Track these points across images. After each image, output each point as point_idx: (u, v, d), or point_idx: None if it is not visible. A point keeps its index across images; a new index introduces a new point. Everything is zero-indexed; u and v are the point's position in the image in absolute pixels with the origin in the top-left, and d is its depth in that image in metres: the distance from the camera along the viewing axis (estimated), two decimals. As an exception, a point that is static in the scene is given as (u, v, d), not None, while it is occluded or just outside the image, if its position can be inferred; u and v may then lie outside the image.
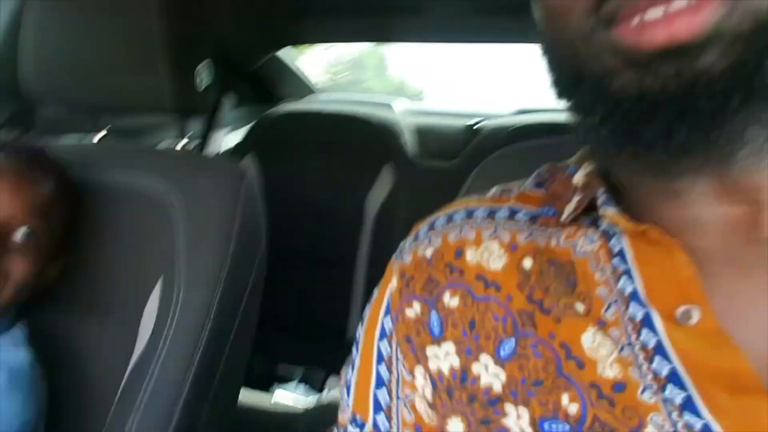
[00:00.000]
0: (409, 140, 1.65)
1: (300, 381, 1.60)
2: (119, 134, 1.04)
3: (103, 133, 1.02)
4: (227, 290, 0.78)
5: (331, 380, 1.62)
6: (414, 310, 0.40)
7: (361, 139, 1.65)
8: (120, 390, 0.76)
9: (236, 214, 0.83)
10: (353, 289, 1.63)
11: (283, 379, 1.62)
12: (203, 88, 0.93)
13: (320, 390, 1.60)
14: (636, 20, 0.26)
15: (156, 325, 0.76)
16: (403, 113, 1.80)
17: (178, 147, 1.00)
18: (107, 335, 0.82)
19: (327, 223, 1.61)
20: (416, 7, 1.44)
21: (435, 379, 0.38)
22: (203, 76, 0.93)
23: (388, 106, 1.82)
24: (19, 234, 0.72)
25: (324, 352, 1.64)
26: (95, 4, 0.87)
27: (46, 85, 0.91)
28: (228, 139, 1.85)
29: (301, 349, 1.67)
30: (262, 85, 1.96)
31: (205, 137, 1.94)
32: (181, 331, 0.74)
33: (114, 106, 0.96)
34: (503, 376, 0.34)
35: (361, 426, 0.41)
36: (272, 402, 1.46)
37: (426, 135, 1.69)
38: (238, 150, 1.75)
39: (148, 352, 0.76)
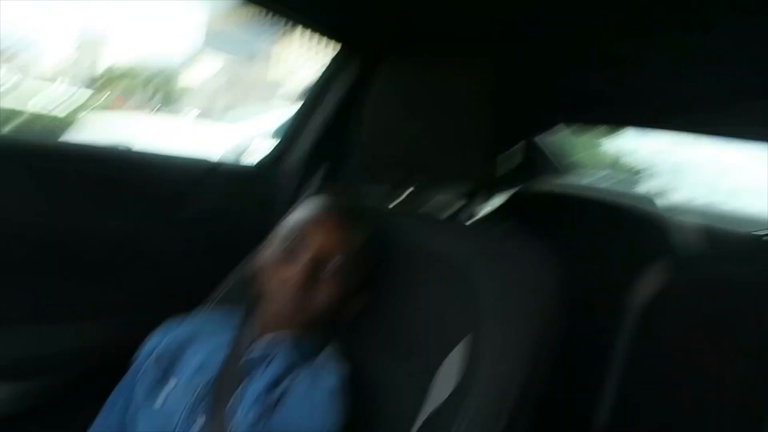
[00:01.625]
0: (683, 238, 1.49)
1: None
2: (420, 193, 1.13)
3: (407, 192, 1.11)
4: (529, 368, 0.78)
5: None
6: None
7: (626, 232, 1.54)
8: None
9: (546, 297, 0.84)
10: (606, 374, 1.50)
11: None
12: (514, 166, 0.96)
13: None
14: None
15: (456, 391, 0.78)
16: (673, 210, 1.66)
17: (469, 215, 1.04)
18: (401, 378, 0.86)
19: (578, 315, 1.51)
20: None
21: None
22: (516, 154, 0.96)
23: (648, 199, 1.69)
24: (331, 266, 0.83)
25: None
26: (430, 89, 0.96)
27: (374, 152, 1.03)
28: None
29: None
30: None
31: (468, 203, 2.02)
32: (484, 402, 0.75)
33: (435, 177, 1.03)
34: None
35: None
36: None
37: (708, 236, 1.52)
38: (489, 220, 1.77)
39: (444, 415, 0.77)
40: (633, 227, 1.54)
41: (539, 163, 1.95)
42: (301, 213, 0.89)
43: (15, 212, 1.02)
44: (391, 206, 1.10)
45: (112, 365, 0.89)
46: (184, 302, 1.05)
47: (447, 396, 0.78)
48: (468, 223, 1.02)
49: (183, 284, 1.20)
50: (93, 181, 1.12)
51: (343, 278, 0.84)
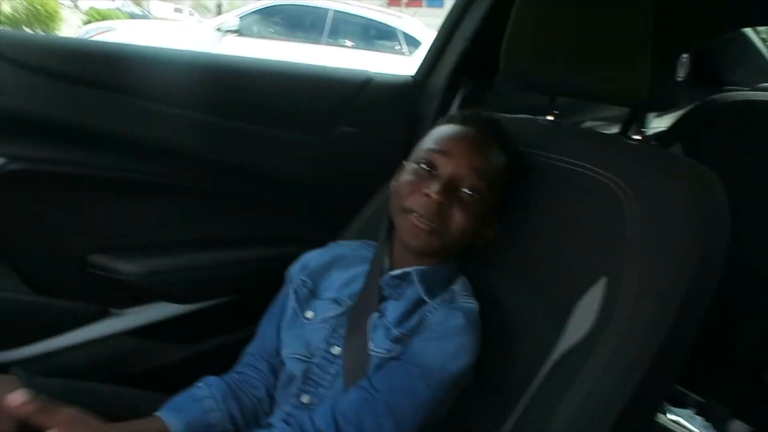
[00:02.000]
0: None
1: (697, 413, 1.40)
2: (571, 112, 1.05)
3: (551, 118, 1.03)
4: (682, 307, 0.70)
5: (735, 425, 1.36)
6: None
7: None
8: (544, 377, 0.77)
9: (704, 227, 0.74)
10: None
11: (674, 400, 1.44)
12: (678, 81, 0.83)
13: (719, 430, 1.36)
14: None
15: (596, 326, 0.74)
16: None
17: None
18: (534, 312, 0.83)
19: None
20: None
21: None
22: (681, 68, 0.83)
23: None
24: (465, 191, 0.81)
25: (731, 388, 1.38)
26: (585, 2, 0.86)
27: (520, 70, 0.96)
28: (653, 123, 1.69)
29: (704, 376, 1.45)
30: (706, 67, 1.70)
31: (629, 122, 1.82)
32: (627, 339, 0.70)
33: (582, 96, 0.95)
34: None
35: None
36: (661, 420, 1.32)
37: None
38: (661, 139, 1.57)
39: (581, 350, 0.74)
40: None
41: (713, 72, 1.66)
42: (442, 129, 0.87)
43: (187, 136, 1.13)
44: (537, 124, 1.03)
45: (267, 286, 0.99)
46: (333, 223, 1.12)
47: (583, 334, 0.74)
48: (626, 142, 0.91)
49: (331, 205, 1.28)
50: (250, 96, 1.18)
51: (482, 200, 0.82)
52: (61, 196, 1.06)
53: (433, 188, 0.78)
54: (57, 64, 1.00)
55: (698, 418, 1.38)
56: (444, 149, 0.82)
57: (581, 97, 0.98)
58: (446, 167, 0.81)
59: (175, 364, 1.19)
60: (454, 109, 1.25)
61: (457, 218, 0.80)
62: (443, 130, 0.87)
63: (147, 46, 1.13)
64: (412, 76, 1.39)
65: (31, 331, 1.04)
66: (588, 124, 1.75)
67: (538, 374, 0.78)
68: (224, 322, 1.26)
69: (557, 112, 1.03)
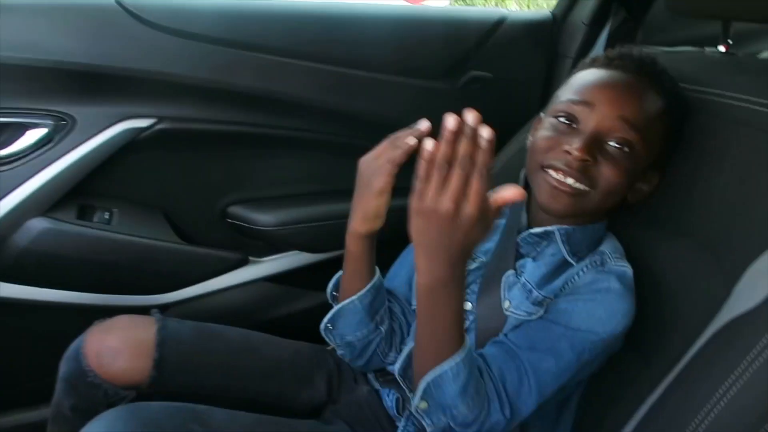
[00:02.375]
0: None
1: None
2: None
3: (723, 48, 0.87)
4: None
5: None
6: None
7: None
8: (707, 339, 0.68)
9: None
10: None
11: None
12: None
13: None
14: None
15: None
16: None
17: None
18: (697, 276, 0.73)
19: None
20: None
21: None
22: None
23: None
24: (613, 145, 0.71)
25: None
26: None
27: None
28: None
29: None
30: None
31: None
32: None
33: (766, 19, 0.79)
34: None
35: None
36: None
37: None
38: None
39: (753, 319, 0.63)
40: None
41: None
42: (584, 75, 0.77)
43: (315, 89, 1.13)
44: (706, 57, 0.88)
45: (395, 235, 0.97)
46: None
47: (756, 303, 0.63)
48: None
49: None
50: (376, 44, 1.15)
51: (633, 154, 0.71)
52: (204, 153, 1.12)
53: (574, 144, 0.69)
54: (196, 27, 1.03)
55: None
56: (586, 99, 0.72)
57: (764, 21, 0.82)
58: (589, 120, 0.71)
59: (306, 310, 1.24)
60: (599, 47, 1.12)
61: (605, 176, 0.70)
62: (585, 76, 0.76)
63: (269, 2, 1.13)
64: (551, 12, 1.27)
65: (182, 277, 1.13)
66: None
67: (695, 344, 0.69)
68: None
69: (731, 42, 0.87)
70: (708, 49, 0.90)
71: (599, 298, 0.71)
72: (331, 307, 0.84)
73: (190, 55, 1.03)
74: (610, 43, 1.18)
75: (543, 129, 0.76)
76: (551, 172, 0.72)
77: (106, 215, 1.06)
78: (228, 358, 0.86)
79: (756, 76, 0.80)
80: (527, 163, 0.78)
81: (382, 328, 0.82)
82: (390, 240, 1.04)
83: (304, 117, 1.14)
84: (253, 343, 0.90)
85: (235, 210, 1.16)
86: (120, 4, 0.98)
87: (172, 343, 0.82)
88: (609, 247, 0.77)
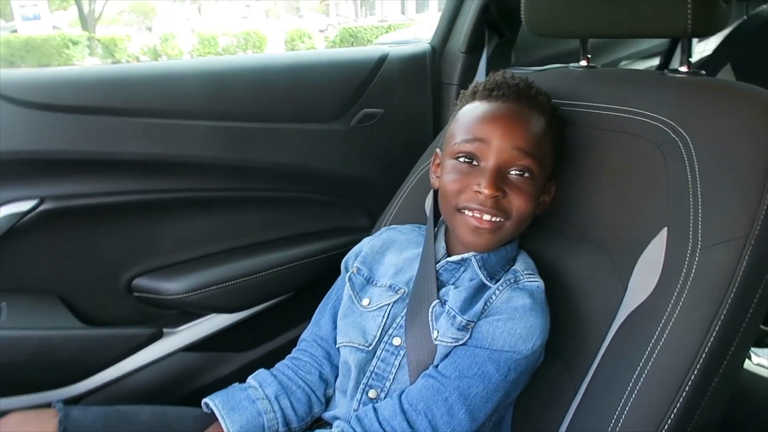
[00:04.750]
0: None
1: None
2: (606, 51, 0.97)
3: (584, 63, 0.95)
4: (757, 252, 0.63)
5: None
6: None
7: None
8: (613, 334, 0.72)
9: None
10: None
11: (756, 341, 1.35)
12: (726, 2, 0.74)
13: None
14: None
15: (662, 282, 0.68)
16: None
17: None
18: (598, 276, 0.78)
19: None
20: None
21: None
22: None
23: None
24: (515, 173, 0.74)
25: None
26: None
27: (546, 19, 0.89)
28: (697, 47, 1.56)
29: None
30: None
31: (670, 53, 1.70)
32: (698, 291, 0.64)
33: (618, 34, 0.87)
34: None
35: None
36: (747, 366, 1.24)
37: None
38: (707, 66, 1.45)
39: (649, 308, 0.68)
40: None
41: None
42: (470, 111, 0.79)
43: (207, 146, 1.10)
44: (571, 72, 0.95)
45: (318, 281, 0.96)
46: (377, 208, 1.07)
47: (650, 292, 0.69)
48: (671, 77, 0.83)
49: (370, 191, 1.23)
50: (262, 94, 1.15)
51: (533, 177, 0.75)
52: (98, 227, 1.06)
53: (482, 184, 0.73)
54: (68, 98, 0.98)
55: (782, 355, 1.29)
56: (480, 137, 0.75)
57: (617, 36, 0.90)
58: (488, 156, 0.74)
59: (232, 374, 1.20)
60: (481, 73, 1.18)
61: (516, 205, 0.74)
62: (471, 112, 0.78)
63: (147, 64, 1.10)
64: (429, 44, 1.32)
65: (90, 363, 1.05)
66: (623, 64, 1.65)
67: (604, 341, 0.73)
68: (280, 323, 1.25)
69: (590, 56, 0.95)
70: (572, 65, 0.97)
71: (517, 317, 0.73)
72: (269, 362, 0.83)
73: (67, 129, 0.98)
74: (489, 66, 1.25)
75: (447, 173, 0.78)
76: (468, 212, 0.75)
77: (-5, 311, 0.97)
78: None
79: (615, 85, 0.87)
80: (441, 205, 0.81)
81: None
82: (311, 286, 1.03)
83: (200, 176, 1.11)
84: (168, 421, 0.83)
85: (141, 282, 1.10)
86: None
87: None
88: (521, 264, 0.80)
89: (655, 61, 1.76)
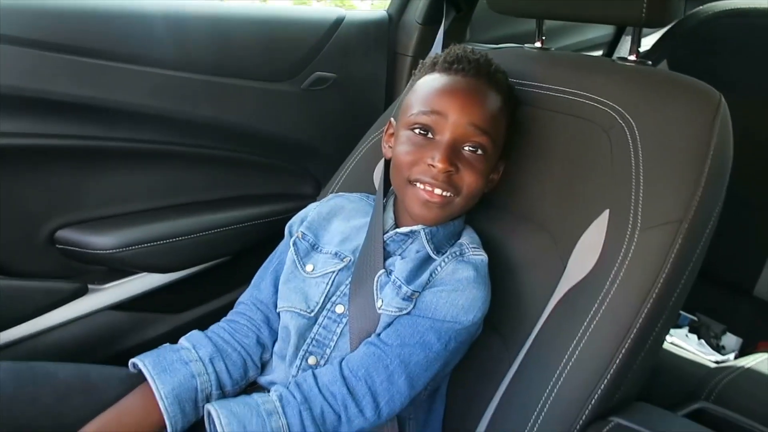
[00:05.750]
0: None
1: (690, 331, 1.42)
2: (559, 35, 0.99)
3: (539, 44, 0.97)
4: (688, 236, 0.67)
5: (727, 338, 1.39)
6: None
7: None
8: (551, 310, 0.75)
9: (709, 150, 0.70)
10: None
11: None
12: None
13: (713, 346, 1.38)
14: None
15: (601, 261, 0.71)
16: None
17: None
18: (541, 253, 0.80)
19: (761, 160, 1.29)
20: None
21: None
22: None
23: None
24: (469, 149, 0.75)
25: (722, 303, 1.40)
26: None
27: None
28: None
29: (694, 292, 1.46)
30: None
31: (615, 43, 1.77)
32: (634, 271, 0.67)
33: (574, 17, 0.88)
34: None
35: None
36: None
37: None
38: (647, 58, 1.52)
39: (587, 286, 0.71)
40: None
41: None
42: (429, 83, 0.79)
43: (153, 97, 1.04)
44: (525, 53, 0.96)
45: (258, 246, 0.93)
46: (325, 174, 1.05)
47: (589, 270, 0.72)
48: (620, 65, 0.86)
49: (319, 156, 1.20)
50: (213, 46, 1.09)
51: (486, 155, 0.76)
52: (19, 172, 0.98)
53: (436, 157, 0.73)
54: (10, 29, 0.89)
55: (692, 336, 1.40)
56: (437, 109, 0.75)
57: (573, 20, 0.92)
58: (444, 130, 0.74)
59: (162, 336, 1.15)
60: (437, 46, 1.18)
61: (467, 181, 0.75)
62: (430, 83, 0.78)
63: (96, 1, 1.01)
64: (387, 11, 1.30)
65: (6, 316, 0.98)
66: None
67: (541, 316, 0.76)
68: (216, 286, 1.22)
69: (544, 37, 0.97)
70: (527, 46, 0.98)
71: (460, 288, 0.74)
72: (203, 325, 0.80)
73: (6, 61, 0.88)
74: (445, 41, 1.25)
75: (401, 143, 0.78)
76: (419, 185, 0.75)
77: None
78: (56, 402, 0.74)
79: (568, 69, 0.88)
80: (392, 176, 0.80)
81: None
82: (250, 251, 1.00)
83: (141, 126, 1.04)
84: (91, 381, 0.78)
85: (66, 234, 1.02)
86: None
87: None
88: (467, 238, 0.81)
89: (599, 53, 1.82)
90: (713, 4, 1.47)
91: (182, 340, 0.81)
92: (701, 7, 1.47)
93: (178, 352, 0.78)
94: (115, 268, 1.09)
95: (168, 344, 0.80)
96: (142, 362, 0.75)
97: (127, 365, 0.78)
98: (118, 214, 1.08)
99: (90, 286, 1.07)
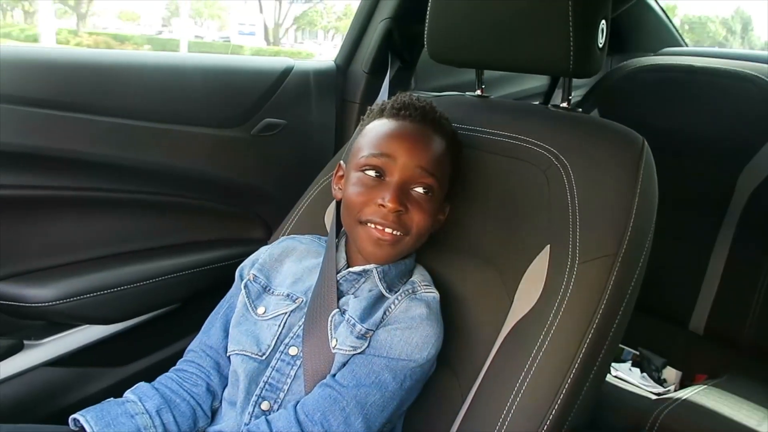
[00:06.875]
0: None
1: (633, 365, 1.47)
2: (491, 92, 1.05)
3: (479, 92, 1.03)
4: (623, 268, 0.72)
5: (667, 371, 1.44)
6: None
7: (744, 104, 1.35)
8: (500, 343, 0.77)
9: (636, 188, 0.76)
10: (707, 274, 1.41)
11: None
12: (600, 48, 0.84)
13: (655, 379, 1.44)
14: None
15: (544, 294, 0.74)
16: None
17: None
18: (487, 284, 0.83)
19: (688, 198, 1.39)
20: None
21: None
22: (601, 35, 0.84)
23: None
24: (417, 190, 0.78)
25: (661, 337, 1.47)
26: None
27: (446, 48, 0.94)
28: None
29: (635, 327, 1.52)
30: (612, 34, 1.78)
31: (551, 92, 1.88)
32: (575, 304, 0.71)
33: (510, 68, 0.95)
34: None
35: None
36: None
37: None
38: (579, 106, 1.63)
39: (533, 319, 0.74)
40: (754, 98, 1.34)
41: (630, 39, 1.74)
42: (378, 127, 0.82)
43: (98, 143, 1.03)
44: (466, 100, 1.02)
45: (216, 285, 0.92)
46: (275, 219, 1.05)
47: (535, 302, 0.75)
48: (553, 112, 0.93)
49: (269, 201, 1.20)
50: (164, 94, 1.09)
51: (433, 195, 0.79)
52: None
53: (386, 197, 0.76)
54: None
55: (635, 369, 1.45)
56: (387, 152, 0.78)
57: (509, 70, 0.98)
58: (394, 172, 0.77)
59: (109, 389, 1.10)
60: (384, 94, 1.23)
61: (416, 220, 0.78)
62: (379, 128, 0.82)
63: (34, 46, 1.00)
64: (334, 61, 1.35)
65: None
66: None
67: (492, 349, 0.78)
68: (163, 336, 1.18)
69: (484, 86, 1.03)
70: (468, 94, 1.04)
71: (413, 326, 0.75)
72: (149, 377, 0.77)
73: None
74: (392, 89, 1.30)
75: (352, 185, 0.80)
76: (371, 225, 0.77)
77: None
78: None
79: (506, 114, 0.94)
80: (343, 217, 0.82)
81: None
82: (199, 298, 0.98)
83: (84, 174, 1.02)
84: None
85: (1, 288, 0.98)
86: None
87: None
88: (419, 276, 0.83)
89: (536, 103, 1.93)
90: (635, 60, 1.61)
91: (128, 393, 0.78)
92: (625, 62, 1.61)
93: (123, 405, 0.75)
94: (54, 321, 1.04)
95: (112, 398, 0.77)
96: (84, 417, 0.72)
97: (66, 423, 0.74)
98: (60, 264, 1.04)
99: (26, 342, 1.01)
